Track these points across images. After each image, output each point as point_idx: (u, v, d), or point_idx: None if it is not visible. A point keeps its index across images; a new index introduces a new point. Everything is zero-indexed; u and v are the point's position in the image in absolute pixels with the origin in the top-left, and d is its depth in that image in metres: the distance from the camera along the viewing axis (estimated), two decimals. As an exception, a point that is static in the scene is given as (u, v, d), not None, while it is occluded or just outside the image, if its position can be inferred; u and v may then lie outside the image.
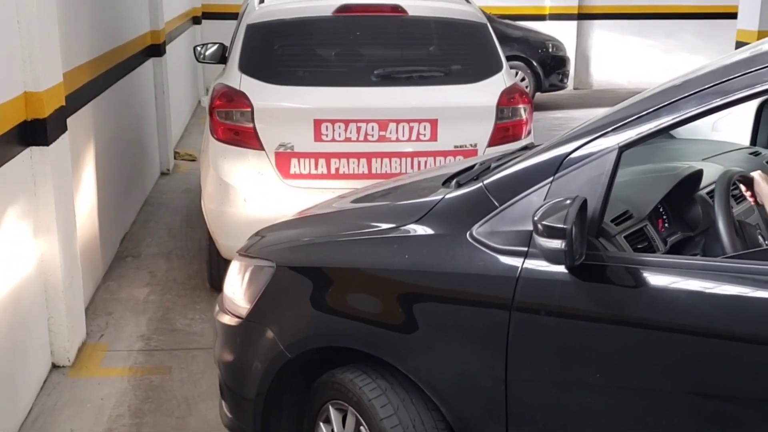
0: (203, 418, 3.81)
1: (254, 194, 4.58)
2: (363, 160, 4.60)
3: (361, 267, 2.66)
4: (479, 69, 4.82)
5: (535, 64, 11.21)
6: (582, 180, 2.25)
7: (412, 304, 2.54)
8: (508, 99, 4.71)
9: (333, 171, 4.58)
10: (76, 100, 4.72)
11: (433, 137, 4.63)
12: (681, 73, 2.34)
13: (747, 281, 2.06)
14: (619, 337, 2.20)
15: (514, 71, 11.36)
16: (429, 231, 2.54)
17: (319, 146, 4.56)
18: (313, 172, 4.57)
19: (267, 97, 4.59)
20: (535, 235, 2.18)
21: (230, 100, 4.58)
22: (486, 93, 4.71)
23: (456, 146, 4.66)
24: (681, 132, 3.73)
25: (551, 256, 2.17)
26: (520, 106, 4.75)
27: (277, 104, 4.62)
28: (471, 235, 2.41)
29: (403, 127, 4.59)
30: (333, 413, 2.76)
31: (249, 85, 4.60)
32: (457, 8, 5.04)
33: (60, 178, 4.10)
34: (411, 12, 4.87)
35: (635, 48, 13.59)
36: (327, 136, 4.55)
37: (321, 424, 2.83)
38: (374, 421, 2.54)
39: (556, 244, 2.10)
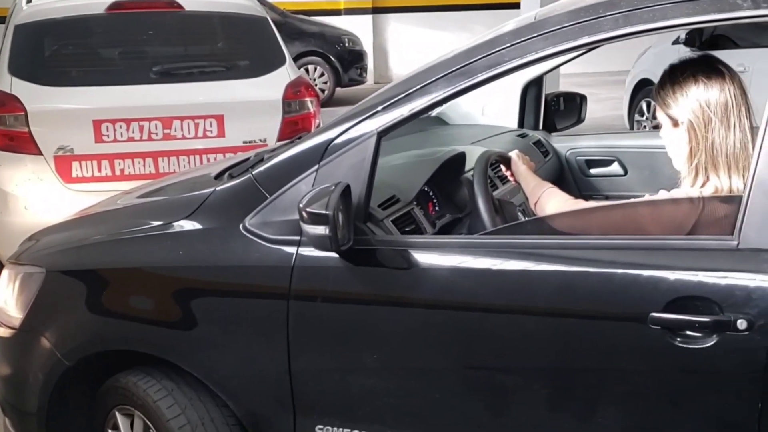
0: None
1: (35, 201, 4.45)
2: (149, 160, 4.53)
3: (135, 266, 2.60)
4: (262, 63, 4.85)
5: (333, 59, 11.36)
6: (346, 166, 2.28)
7: (190, 301, 2.51)
8: (293, 92, 4.76)
9: (118, 172, 4.50)
10: None
11: (221, 133, 4.63)
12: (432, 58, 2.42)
13: (501, 254, 2.15)
14: (392, 317, 2.27)
15: (313, 66, 11.55)
16: (201, 225, 2.52)
17: (101, 147, 4.48)
18: (97, 174, 4.48)
19: (41, 100, 4.46)
20: (301, 223, 2.19)
21: (2, 104, 4.40)
22: (271, 87, 4.76)
23: (245, 141, 4.66)
24: (453, 117, 3.88)
25: (318, 243, 2.19)
26: (307, 99, 4.80)
27: (53, 106, 4.50)
28: (244, 227, 2.41)
29: (188, 124, 4.55)
30: (120, 419, 2.70)
31: (21, 88, 4.46)
32: (234, 2, 5.06)
33: None
34: (188, 7, 4.84)
35: (431, 40, 13.98)
36: (108, 136, 4.47)
37: (109, 431, 2.76)
38: (161, 423, 2.50)
39: (321, 230, 2.12)
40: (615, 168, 3.66)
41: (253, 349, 2.42)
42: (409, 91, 2.26)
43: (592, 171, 3.73)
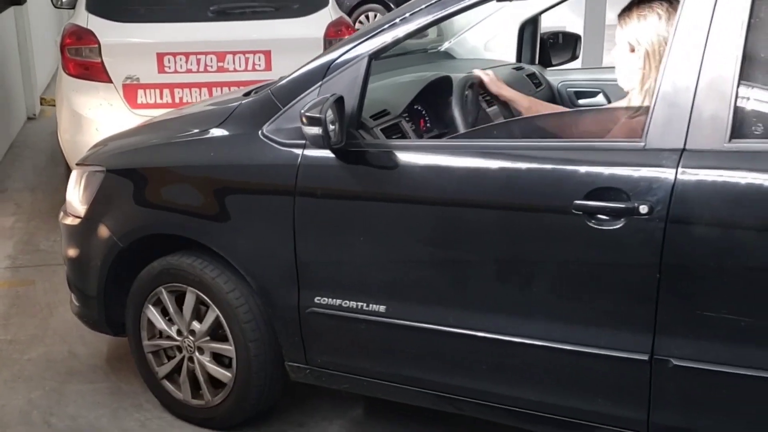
0: (62, 318, 4.21)
1: (105, 124, 5.00)
2: (204, 90, 5.09)
3: (176, 165, 3.12)
4: (307, 4, 5.34)
5: (392, 6, 11.71)
6: (343, 82, 2.74)
7: (218, 194, 3.00)
8: (335, 31, 5.25)
9: (177, 100, 5.06)
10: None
11: (268, 67, 5.15)
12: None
13: (462, 154, 2.60)
14: (377, 210, 2.73)
15: (373, 14, 11.96)
16: (228, 132, 3.03)
17: (163, 77, 5.04)
18: (159, 101, 5.04)
19: (113, 34, 5.04)
20: (302, 125, 2.67)
21: (79, 38, 5.00)
22: (314, 26, 5.25)
23: (291, 75, 5.16)
24: (460, 52, 4.33)
25: (314, 141, 2.67)
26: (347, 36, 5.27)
27: (122, 40, 5.08)
28: (262, 133, 2.89)
29: (240, 58, 5.09)
30: (166, 295, 3.21)
31: (96, 24, 5.03)
32: None
33: None
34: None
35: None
36: (169, 68, 5.02)
37: (150, 306, 3.25)
38: (221, 295, 3.01)
39: (315, 130, 2.61)
40: (600, 99, 4.04)
41: (266, 235, 2.89)
42: (395, 20, 2.73)
43: (580, 101, 4.12)
